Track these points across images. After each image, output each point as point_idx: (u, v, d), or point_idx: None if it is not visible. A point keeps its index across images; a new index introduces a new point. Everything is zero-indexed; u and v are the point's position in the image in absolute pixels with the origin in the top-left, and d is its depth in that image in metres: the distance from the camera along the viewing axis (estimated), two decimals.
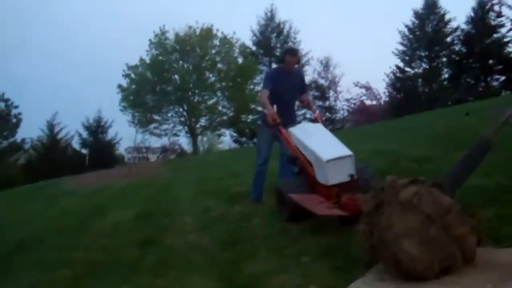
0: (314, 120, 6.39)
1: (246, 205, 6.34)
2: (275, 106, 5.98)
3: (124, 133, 51.91)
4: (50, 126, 36.71)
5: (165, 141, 39.73)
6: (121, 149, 42.80)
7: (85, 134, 38.15)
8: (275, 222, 5.28)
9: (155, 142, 40.22)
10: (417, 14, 38.17)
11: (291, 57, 6.15)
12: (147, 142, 39.43)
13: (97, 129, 38.17)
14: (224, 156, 19.23)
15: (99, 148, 36.20)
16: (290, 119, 6.26)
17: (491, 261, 3.31)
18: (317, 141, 5.24)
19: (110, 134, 38.99)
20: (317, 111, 6.25)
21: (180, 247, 5.03)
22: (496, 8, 5.22)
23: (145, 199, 8.54)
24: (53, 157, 34.22)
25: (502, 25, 34.73)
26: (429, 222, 3.17)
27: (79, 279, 4.45)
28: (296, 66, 6.47)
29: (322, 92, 41.24)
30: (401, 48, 38.47)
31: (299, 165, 5.39)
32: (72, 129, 38.04)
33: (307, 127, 5.70)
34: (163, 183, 10.64)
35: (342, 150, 5.01)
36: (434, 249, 3.14)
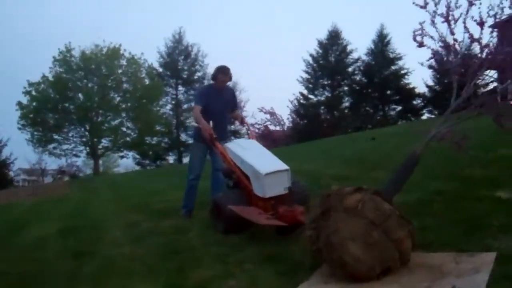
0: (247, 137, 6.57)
1: (176, 219, 6.40)
2: (210, 122, 6.16)
3: (19, 153, 49.33)
4: None
5: (62, 162, 38.35)
6: (15, 169, 40.75)
7: None
8: (211, 234, 5.40)
9: (51, 164, 38.75)
10: (321, 44, 39.62)
11: (223, 76, 6.34)
12: (43, 163, 37.89)
13: None
14: (131, 177, 18.94)
15: None
16: (223, 135, 6.45)
17: (422, 264, 3.65)
18: (254, 156, 5.48)
19: (5, 153, 37.08)
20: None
21: (116, 257, 5.01)
22: (418, 38, 5.63)
23: (64, 216, 8.32)
24: None
25: (400, 58, 37.06)
26: (372, 227, 3.47)
27: None
28: (228, 83, 6.65)
29: None
30: (305, 76, 39.70)
31: (235, 179, 5.60)
32: None
33: (242, 143, 5.91)
34: (78, 201, 10.42)
35: (279, 164, 5.27)
36: (376, 251, 3.44)
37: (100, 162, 39.40)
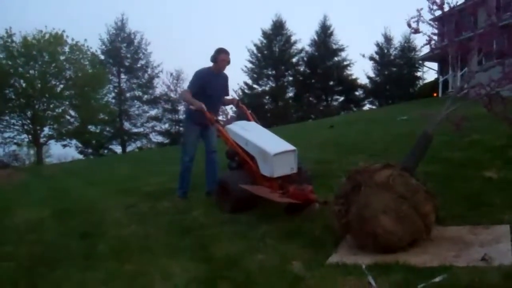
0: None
1: (171, 201, 6.44)
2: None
3: None
4: None
5: None
6: None
7: None
8: (215, 213, 5.49)
9: None
10: (265, 34, 40.03)
11: (225, 55, 6.33)
12: None
13: None
14: (84, 166, 18.57)
15: None
16: (216, 117, 6.43)
17: (442, 236, 3.90)
18: (259, 137, 5.63)
19: None
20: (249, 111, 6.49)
21: (130, 237, 4.99)
22: (414, 25, 5.82)
23: (47, 200, 8.13)
24: None
25: (343, 49, 37.95)
26: (402, 200, 3.67)
27: (31, 270, 4.22)
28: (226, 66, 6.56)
29: (172, 105, 41.33)
30: (249, 65, 40.03)
31: (238, 160, 5.70)
32: None
33: (244, 125, 6.00)
34: (51, 187, 10.18)
35: (286, 145, 5.44)
36: (406, 224, 3.64)
37: (32, 152, 38.26)
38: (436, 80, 26.30)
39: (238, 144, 5.67)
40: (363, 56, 36.14)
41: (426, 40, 5.59)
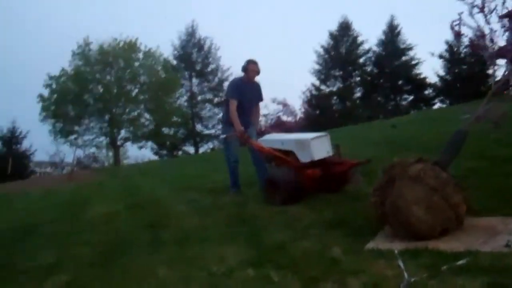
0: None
1: (230, 196, 7.03)
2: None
3: (38, 145, 50.15)
4: None
5: (80, 153, 39.05)
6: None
7: None
8: (268, 206, 6.01)
9: (68, 156, 39.39)
10: (332, 36, 40.17)
11: (254, 65, 7.00)
12: (61, 154, 38.50)
13: (11, 139, 36.92)
14: (157, 166, 19.52)
15: (14, 159, 34.97)
16: (248, 125, 7.10)
17: (475, 226, 4.18)
18: (291, 135, 6.83)
19: (25, 145, 37.90)
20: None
21: (191, 227, 5.56)
22: (456, 28, 5.98)
23: (120, 196, 9.01)
24: None
25: (411, 48, 37.46)
26: (432, 192, 3.99)
27: (105, 254, 4.86)
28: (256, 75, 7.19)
29: None
30: (316, 67, 40.30)
31: (277, 162, 6.51)
32: None
33: (271, 135, 7.37)
34: (124, 185, 11.05)
35: (318, 133, 6.33)
36: (436, 213, 3.96)
37: (110, 153, 40.14)
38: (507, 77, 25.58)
39: (274, 147, 6.43)
40: (432, 54, 35.39)
41: (469, 42, 5.84)
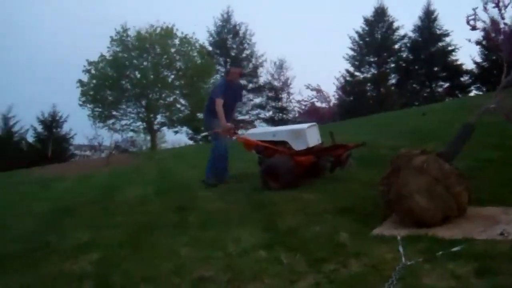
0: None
1: (252, 182, 7.46)
2: None
3: (77, 129, 51.57)
4: (5, 119, 36.51)
5: (118, 137, 39.93)
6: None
7: (39, 128, 37.94)
8: (286, 192, 6.40)
9: (107, 140, 40.28)
10: (367, 21, 39.89)
11: (235, 68, 7.91)
12: (99, 138, 39.44)
13: (51, 123, 38.01)
14: (191, 151, 20.02)
15: (55, 142, 36.09)
16: (228, 120, 7.71)
17: (477, 215, 4.43)
18: (281, 127, 7.82)
19: (65, 129, 38.99)
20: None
21: (214, 210, 6.01)
22: (472, 22, 6.11)
23: (152, 180, 9.63)
24: (7, 150, 34.06)
25: (447, 34, 36.95)
26: (435, 182, 4.26)
27: (134, 235, 5.31)
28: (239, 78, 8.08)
29: (276, 93, 42.46)
30: (351, 53, 40.17)
31: (267, 152, 7.09)
32: (27, 123, 37.88)
33: (258, 128, 7.66)
34: (157, 169, 11.61)
35: (307, 123, 7.17)
36: (438, 202, 4.23)
37: (148, 138, 41.00)
38: None
39: (264, 140, 7.07)
40: (469, 41, 34.80)
41: (482, 36, 6.03)
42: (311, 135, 6.86)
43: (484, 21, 5.84)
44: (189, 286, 3.62)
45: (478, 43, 34.90)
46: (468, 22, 5.95)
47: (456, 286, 3.02)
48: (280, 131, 7.20)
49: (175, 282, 3.72)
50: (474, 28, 5.91)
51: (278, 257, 3.96)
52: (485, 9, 5.82)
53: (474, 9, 5.83)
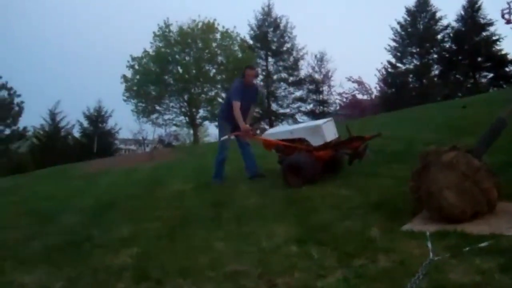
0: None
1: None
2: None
3: (122, 124, 52.90)
4: (52, 115, 37.59)
5: (161, 132, 40.65)
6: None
7: (85, 123, 39.00)
8: (319, 188, 6.54)
9: (151, 134, 41.09)
10: (409, 12, 39.37)
11: (250, 70, 8.03)
12: (144, 133, 40.31)
13: (97, 118, 38.96)
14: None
15: (100, 137, 37.01)
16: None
17: (507, 210, 4.47)
18: (300, 124, 8.11)
19: (110, 124, 39.97)
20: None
21: (249, 206, 6.18)
22: (506, 16, 6.09)
23: (191, 175, 9.95)
24: (55, 145, 35.15)
25: (491, 23, 36.10)
26: (464, 178, 4.32)
27: (172, 229, 5.54)
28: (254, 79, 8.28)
29: (316, 86, 42.40)
30: (393, 44, 39.77)
31: (287, 151, 7.28)
32: (73, 118, 38.92)
33: (278, 128, 8.40)
34: (196, 164, 12.03)
35: (324, 119, 7.43)
36: (468, 198, 4.28)
37: (191, 132, 41.54)
38: None
39: (282, 138, 7.30)
40: None
41: None
42: (327, 130, 7.05)
43: None
44: (222, 279, 3.79)
45: None
46: (503, 16, 5.94)
47: (480, 281, 3.08)
48: (297, 129, 7.44)
49: (209, 275, 3.89)
50: (508, 21, 5.88)
51: (309, 252, 4.10)
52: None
53: (508, 3, 5.81)
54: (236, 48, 37.70)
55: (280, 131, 7.81)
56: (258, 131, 8.15)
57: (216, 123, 38.15)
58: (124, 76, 35.50)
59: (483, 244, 3.62)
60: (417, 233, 4.18)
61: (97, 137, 36.07)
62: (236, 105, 7.67)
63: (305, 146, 7.09)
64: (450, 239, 3.91)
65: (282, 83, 43.73)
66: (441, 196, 4.33)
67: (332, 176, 7.20)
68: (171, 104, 37.21)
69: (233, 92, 8.02)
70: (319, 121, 7.36)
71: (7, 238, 6.37)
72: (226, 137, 8.05)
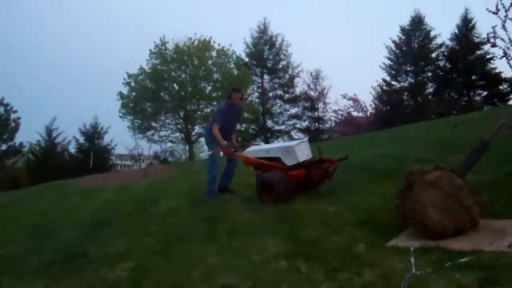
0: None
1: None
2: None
3: (118, 140, 52.96)
4: (48, 131, 37.65)
5: (156, 148, 40.71)
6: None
7: (81, 139, 39.04)
8: (312, 204, 6.70)
9: (147, 150, 41.12)
10: (403, 30, 39.70)
11: (236, 93, 8.41)
12: (139, 149, 40.31)
13: (93, 134, 39.05)
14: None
15: (96, 153, 37.07)
16: (228, 141, 8.40)
17: (489, 227, 4.64)
18: (274, 145, 8.57)
19: (106, 140, 40.02)
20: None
21: (241, 221, 6.35)
22: (492, 40, 6.35)
23: (185, 192, 10.10)
24: (51, 160, 35.23)
25: (485, 42, 36.39)
26: (447, 196, 4.50)
27: (166, 244, 5.69)
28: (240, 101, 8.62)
29: (312, 103, 42.67)
30: (387, 62, 40.01)
31: (263, 168, 7.67)
32: (69, 134, 39.01)
33: (255, 146, 8.64)
34: (190, 181, 12.12)
35: (297, 140, 7.92)
36: (450, 215, 4.46)
37: (187, 147, 41.65)
38: None
39: (260, 157, 7.68)
40: (508, 48, 34.34)
41: (503, 53, 6.22)
42: (300, 151, 7.42)
43: (502, 39, 6.04)
44: None
45: None
46: (488, 40, 6.17)
47: None
48: (273, 149, 7.89)
49: None
50: (494, 45, 6.12)
51: (297, 266, 4.27)
52: (503, 27, 6.01)
53: (493, 27, 6.04)
54: (232, 65, 37.93)
55: (258, 149, 8.21)
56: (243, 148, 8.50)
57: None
58: (120, 93, 35.62)
59: (463, 260, 3.77)
60: (401, 249, 4.33)
61: (93, 153, 36.10)
62: (216, 127, 8.08)
63: (280, 165, 7.44)
64: (433, 254, 4.06)
65: (277, 100, 44.01)
66: (425, 214, 4.51)
67: (323, 193, 7.39)
68: (167, 120, 37.33)
69: (216, 114, 8.57)
70: (293, 142, 7.78)
71: (5, 253, 6.53)
72: (211, 152, 8.47)
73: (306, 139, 8.08)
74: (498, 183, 6.18)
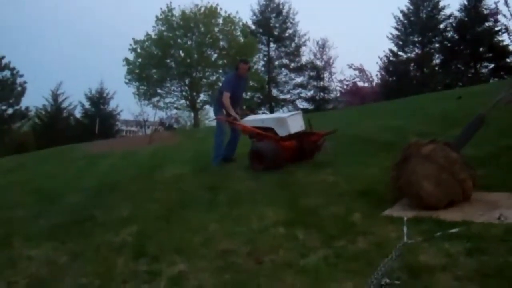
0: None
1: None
2: None
3: (124, 106, 53.08)
4: (54, 95, 37.81)
5: (162, 115, 40.86)
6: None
7: (87, 104, 39.22)
8: (314, 174, 6.90)
9: (153, 116, 41.31)
10: (412, 0, 39.21)
11: (244, 64, 8.59)
12: (145, 115, 40.50)
13: (99, 100, 39.18)
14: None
15: (102, 118, 37.24)
16: (235, 110, 8.49)
17: (481, 200, 4.80)
18: (270, 115, 8.61)
19: (111, 105, 40.17)
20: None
21: (243, 190, 6.53)
22: (494, 16, 6.33)
23: (190, 159, 10.31)
24: (57, 125, 35.49)
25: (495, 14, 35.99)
26: (441, 169, 4.66)
27: (169, 210, 5.90)
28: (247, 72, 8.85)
29: (317, 73, 42.53)
30: (395, 32, 39.54)
31: (258, 137, 7.91)
32: (75, 99, 39.17)
33: (253, 116, 8.92)
34: (195, 148, 12.43)
35: (292, 112, 7.99)
36: (444, 188, 4.63)
37: (192, 114, 41.74)
38: None
39: (256, 126, 7.91)
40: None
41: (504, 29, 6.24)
42: (293, 123, 7.65)
43: (505, 15, 6.07)
44: (214, 257, 4.15)
45: None
46: (491, 16, 6.18)
47: (446, 263, 3.41)
48: (267, 119, 8.19)
49: (202, 253, 4.26)
50: (496, 20, 6.15)
51: (295, 234, 4.46)
52: (506, 2, 6.04)
53: (495, 3, 6.08)
54: (238, 33, 37.81)
55: (254, 119, 8.43)
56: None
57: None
58: (126, 59, 35.64)
59: (454, 230, 3.93)
60: (395, 219, 4.51)
61: (99, 119, 36.26)
62: (226, 95, 8.27)
63: (272, 135, 7.68)
64: (425, 224, 4.23)
65: (283, 69, 43.84)
66: (419, 186, 4.67)
67: (322, 164, 7.52)
68: (173, 87, 37.40)
69: (224, 84, 8.80)
70: (286, 114, 8.19)
71: (14, 216, 6.76)
72: (220, 117, 8.64)
73: (300, 111, 8.48)
74: (495, 157, 6.31)
